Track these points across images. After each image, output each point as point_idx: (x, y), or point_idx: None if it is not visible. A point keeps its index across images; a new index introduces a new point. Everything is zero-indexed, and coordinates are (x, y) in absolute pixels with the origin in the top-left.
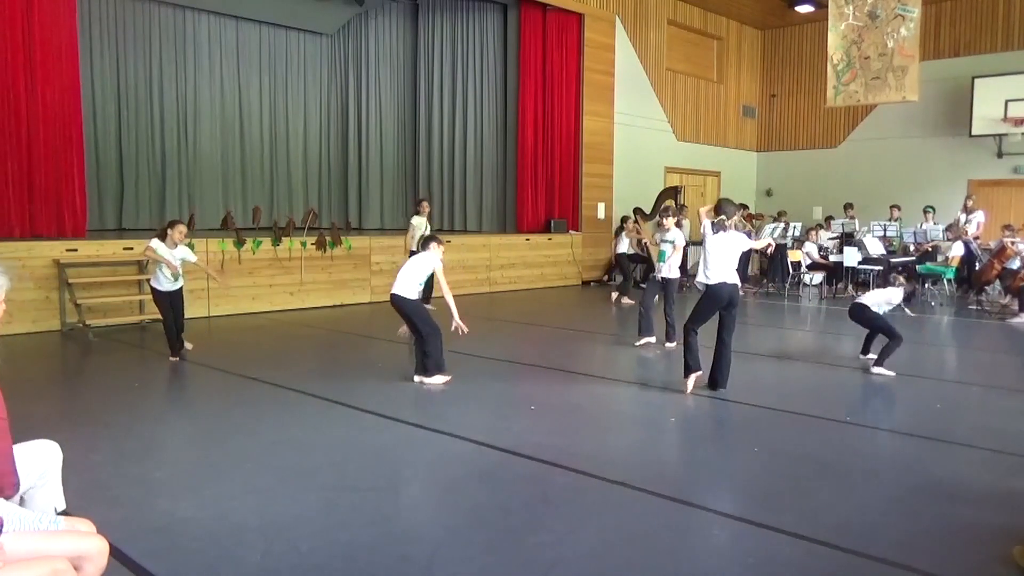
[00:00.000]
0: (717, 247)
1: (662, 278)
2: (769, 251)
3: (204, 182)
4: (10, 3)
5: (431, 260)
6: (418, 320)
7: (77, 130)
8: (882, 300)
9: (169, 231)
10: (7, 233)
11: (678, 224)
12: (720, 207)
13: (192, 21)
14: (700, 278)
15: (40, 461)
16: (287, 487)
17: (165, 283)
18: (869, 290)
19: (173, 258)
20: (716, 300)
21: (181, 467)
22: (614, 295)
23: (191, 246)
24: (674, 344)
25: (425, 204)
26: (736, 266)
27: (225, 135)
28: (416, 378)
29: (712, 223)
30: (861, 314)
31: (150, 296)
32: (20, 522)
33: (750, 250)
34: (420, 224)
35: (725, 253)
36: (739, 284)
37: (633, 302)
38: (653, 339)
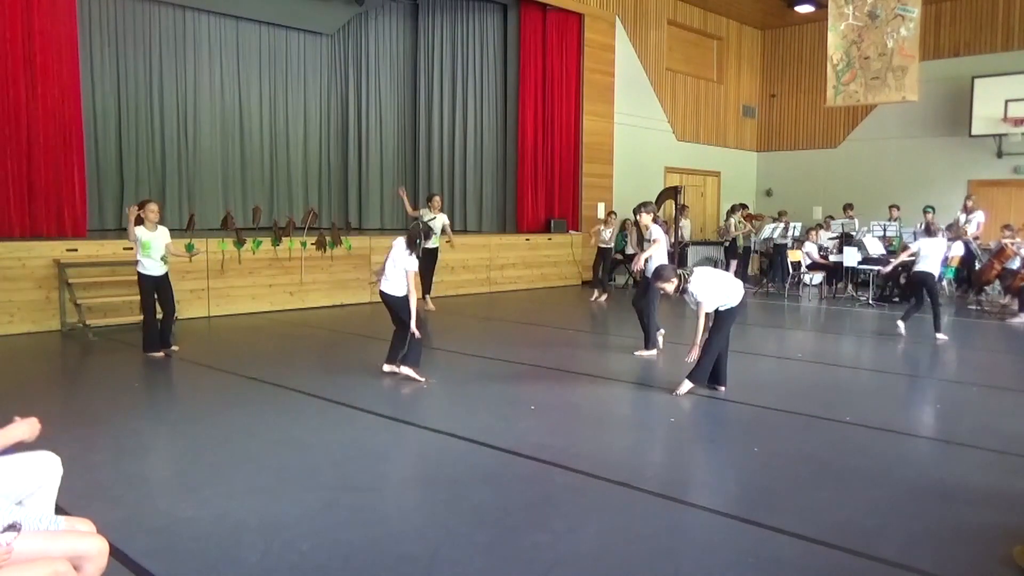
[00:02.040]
0: (711, 281)
1: (642, 277)
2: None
3: (204, 182)
4: (10, 3)
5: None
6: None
7: (77, 130)
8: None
9: (141, 213)
10: (7, 233)
11: (658, 221)
12: (662, 274)
13: (192, 21)
14: (721, 302)
15: (39, 473)
16: (287, 487)
17: (151, 267)
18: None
19: (159, 242)
20: (736, 316)
21: (181, 467)
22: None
23: (190, 247)
24: (653, 352)
25: (436, 199)
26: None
27: (225, 135)
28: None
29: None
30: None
31: (143, 293)
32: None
33: (748, 251)
34: (425, 216)
35: (716, 278)
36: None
37: (602, 298)
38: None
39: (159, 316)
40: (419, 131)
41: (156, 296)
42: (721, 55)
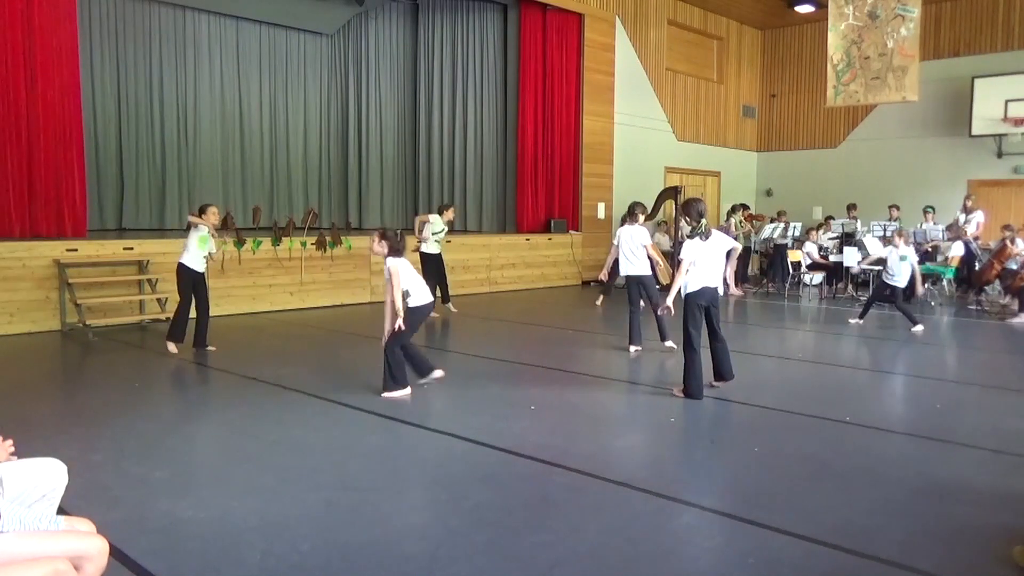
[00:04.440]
0: (702, 255)
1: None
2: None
3: (204, 182)
4: (10, 3)
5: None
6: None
7: (77, 130)
8: None
9: (203, 216)
10: (7, 233)
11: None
12: (690, 210)
13: (192, 21)
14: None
15: (45, 481)
16: (287, 487)
17: (197, 263)
18: (869, 290)
19: (212, 240)
20: (695, 303)
21: (181, 467)
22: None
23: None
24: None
25: (451, 211)
26: (719, 270)
27: (225, 135)
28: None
29: (692, 230)
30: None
31: (150, 296)
32: (20, 522)
33: (748, 251)
34: (437, 225)
35: (709, 259)
36: (720, 287)
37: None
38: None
39: (193, 316)
40: (419, 131)
41: (198, 294)
42: (721, 55)
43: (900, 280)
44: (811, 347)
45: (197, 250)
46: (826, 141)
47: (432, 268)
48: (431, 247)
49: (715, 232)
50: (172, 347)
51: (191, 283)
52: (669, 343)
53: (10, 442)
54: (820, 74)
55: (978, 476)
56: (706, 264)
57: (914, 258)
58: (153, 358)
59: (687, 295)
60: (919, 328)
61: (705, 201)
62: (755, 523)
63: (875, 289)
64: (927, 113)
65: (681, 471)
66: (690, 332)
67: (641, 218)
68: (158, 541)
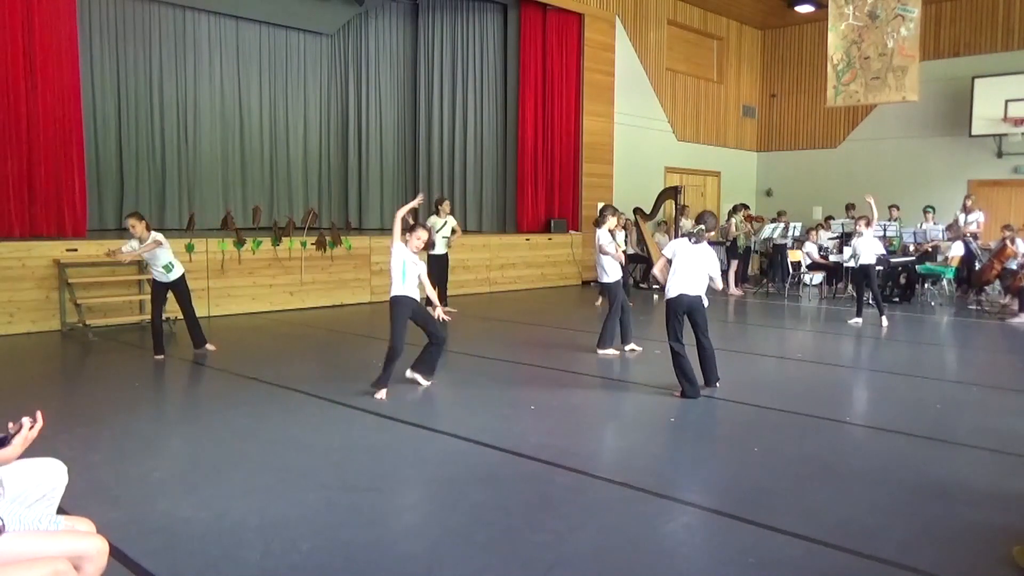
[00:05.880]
0: (684, 258)
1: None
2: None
3: (204, 182)
4: (10, 3)
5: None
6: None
7: (77, 130)
8: None
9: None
10: (7, 233)
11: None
12: (702, 217)
13: (192, 21)
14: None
15: (45, 481)
16: (287, 487)
17: (156, 275)
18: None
19: (133, 252)
20: (673, 310)
21: (181, 467)
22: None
23: (191, 246)
24: (610, 351)
25: (446, 203)
26: (702, 279)
27: (225, 135)
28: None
29: (690, 234)
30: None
31: (150, 296)
32: (20, 522)
33: (749, 251)
34: (437, 224)
35: (691, 265)
36: (702, 296)
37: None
38: (614, 350)
39: (180, 318)
40: (419, 131)
41: (176, 300)
42: (721, 55)
43: (865, 258)
44: (811, 347)
45: (152, 268)
46: (826, 141)
47: (434, 268)
48: (437, 248)
49: (706, 244)
50: (157, 358)
51: (159, 294)
52: (608, 351)
53: (29, 423)
54: (820, 74)
55: (978, 476)
56: (686, 269)
57: (875, 243)
58: (153, 358)
59: (666, 300)
60: (858, 321)
61: (716, 216)
62: (755, 523)
63: (862, 282)
64: (927, 113)
65: (681, 471)
66: (669, 337)
67: (612, 220)
68: (158, 541)
